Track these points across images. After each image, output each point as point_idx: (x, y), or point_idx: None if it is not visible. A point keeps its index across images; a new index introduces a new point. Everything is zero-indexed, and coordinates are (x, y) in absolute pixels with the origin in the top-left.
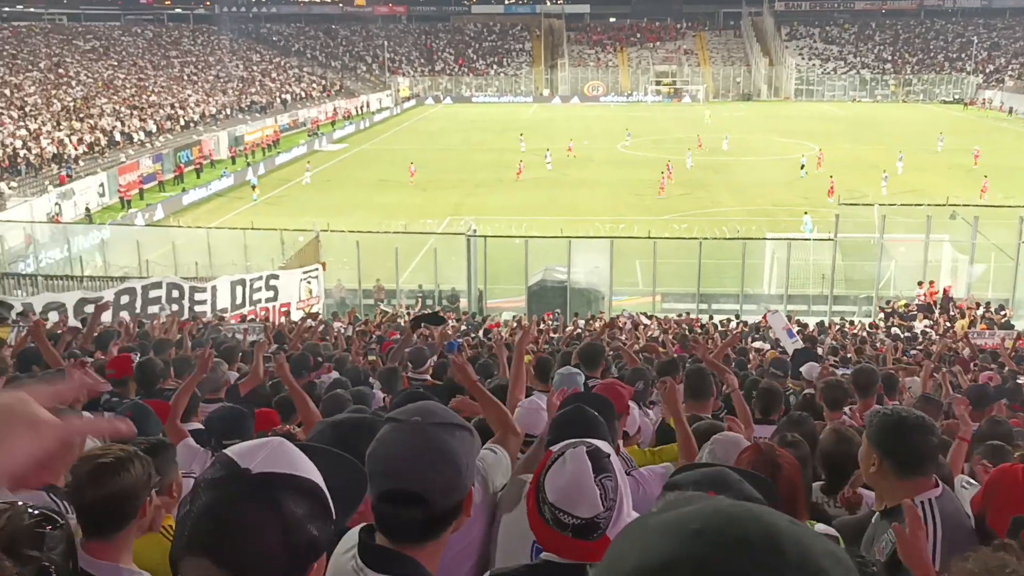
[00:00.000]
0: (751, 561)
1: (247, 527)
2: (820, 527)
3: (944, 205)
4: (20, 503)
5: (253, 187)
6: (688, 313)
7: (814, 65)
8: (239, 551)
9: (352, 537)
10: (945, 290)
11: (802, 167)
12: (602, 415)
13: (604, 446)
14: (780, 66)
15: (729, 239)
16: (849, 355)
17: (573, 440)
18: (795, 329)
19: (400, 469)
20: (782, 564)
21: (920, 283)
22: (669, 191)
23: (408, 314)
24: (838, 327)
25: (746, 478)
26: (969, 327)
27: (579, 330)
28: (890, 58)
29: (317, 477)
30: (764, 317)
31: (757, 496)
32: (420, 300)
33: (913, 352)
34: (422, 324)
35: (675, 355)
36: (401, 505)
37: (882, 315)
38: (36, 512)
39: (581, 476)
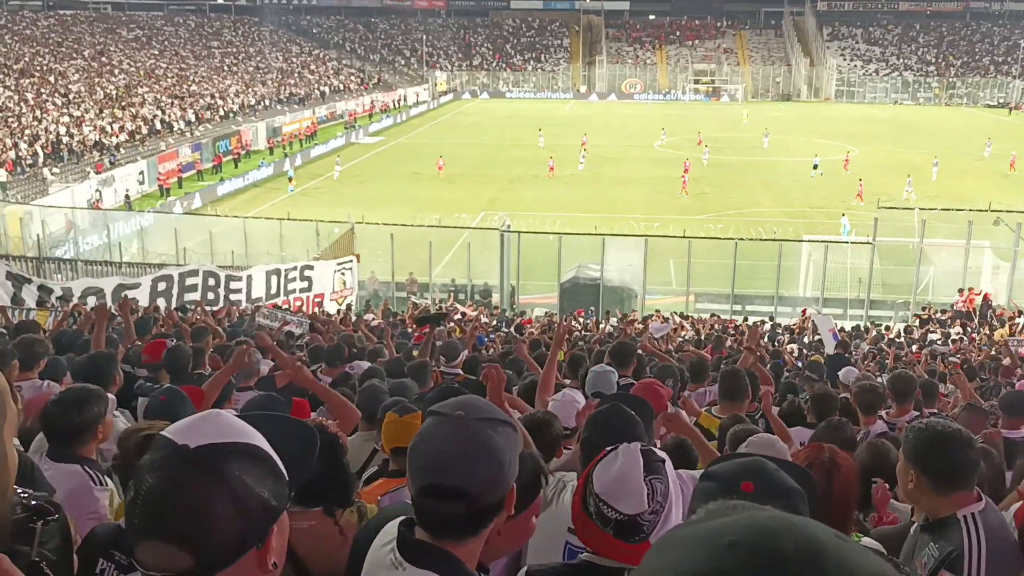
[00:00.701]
0: None
1: (194, 503)
2: (867, 541)
3: (986, 211)
4: (17, 492)
5: (290, 178)
6: (720, 315)
7: (856, 66)
8: (190, 528)
9: (391, 530)
10: (985, 296)
11: (815, 167)
12: (639, 416)
13: (660, 451)
14: (821, 66)
15: (765, 240)
16: (887, 360)
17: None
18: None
19: (443, 463)
20: None
21: (960, 290)
22: (704, 189)
23: (440, 307)
24: (876, 332)
25: (784, 468)
26: (1010, 336)
27: (611, 328)
28: (934, 60)
29: (260, 441)
30: (804, 312)
31: (794, 486)
32: (452, 294)
33: (951, 360)
34: (426, 323)
35: (708, 356)
36: (443, 499)
37: (917, 321)
38: (32, 504)
39: (630, 471)
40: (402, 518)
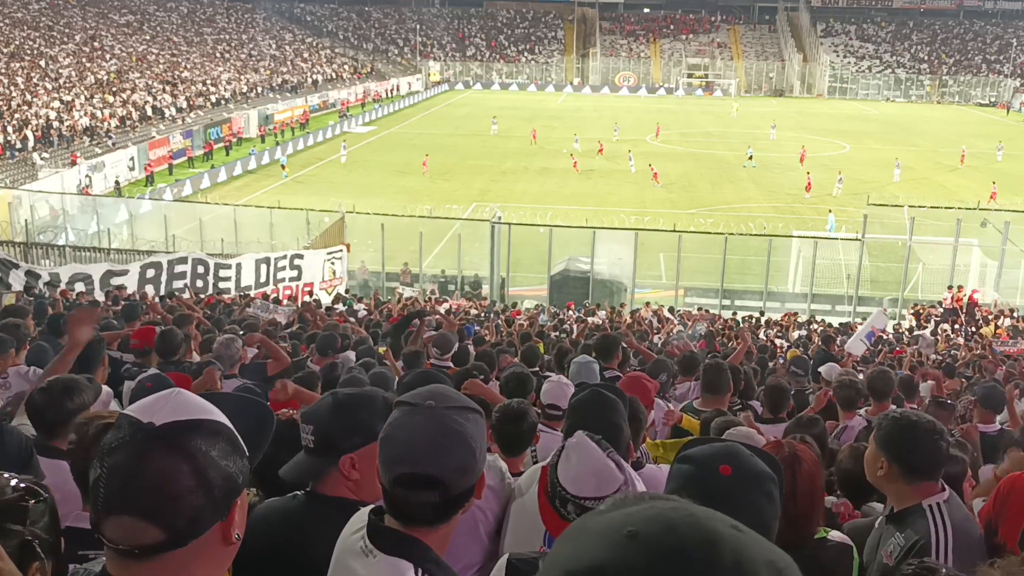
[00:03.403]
0: (681, 568)
1: (163, 477)
2: (835, 535)
3: (976, 209)
4: (3, 475)
5: (283, 165)
6: (707, 309)
7: (849, 63)
8: (160, 502)
9: (361, 518)
10: (971, 296)
11: (750, 158)
12: (614, 416)
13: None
14: (814, 63)
15: (755, 235)
16: (877, 357)
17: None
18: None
19: (417, 453)
20: (713, 572)
21: (950, 287)
22: (694, 184)
23: (429, 299)
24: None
25: (756, 455)
26: (995, 334)
27: (599, 320)
28: (926, 58)
29: (222, 417)
30: (795, 316)
31: (767, 470)
32: (436, 286)
33: (933, 357)
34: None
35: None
36: (418, 488)
37: (914, 319)
38: (21, 485)
39: (592, 456)
40: (372, 506)
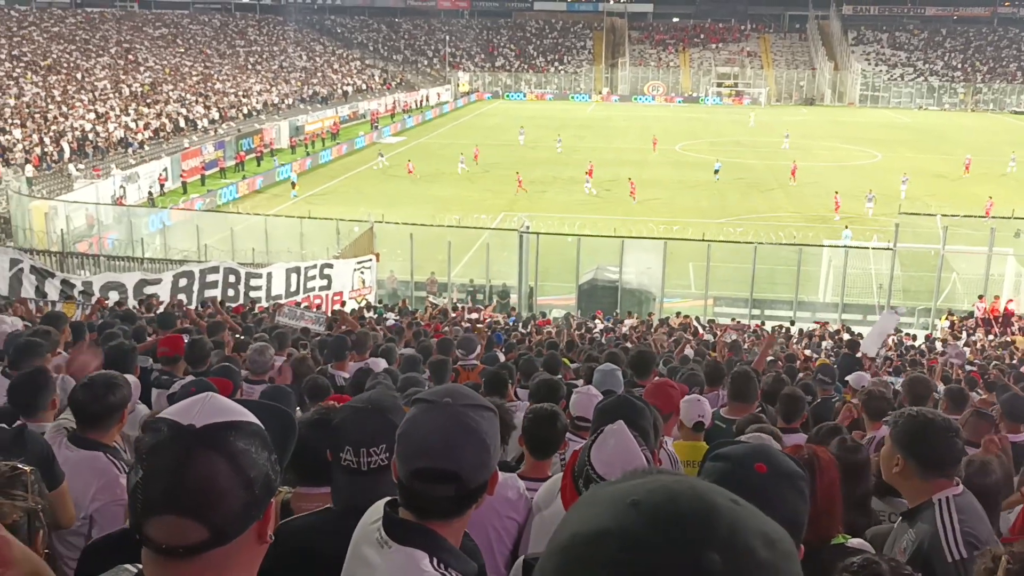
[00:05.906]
0: (678, 535)
1: (208, 477)
2: (854, 541)
3: (1010, 218)
4: None
5: (293, 183)
6: (739, 319)
7: (880, 71)
8: (206, 501)
9: (378, 510)
10: (1006, 307)
11: (716, 172)
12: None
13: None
14: (845, 71)
15: (785, 244)
16: (906, 367)
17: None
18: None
19: (435, 448)
20: (708, 540)
21: (981, 296)
22: (724, 193)
23: (458, 307)
24: (897, 340)
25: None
26: None
27: (626, 329)
28: (960, 66)
29: (256, 420)
30: (823, 324)
31: (798, 470)
32: (470, 295)
33: (970, 367)
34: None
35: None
36: (435, 482)
37: (949, 324)
38: (7, 462)
39: (628, 444)
40: (387, 499)
